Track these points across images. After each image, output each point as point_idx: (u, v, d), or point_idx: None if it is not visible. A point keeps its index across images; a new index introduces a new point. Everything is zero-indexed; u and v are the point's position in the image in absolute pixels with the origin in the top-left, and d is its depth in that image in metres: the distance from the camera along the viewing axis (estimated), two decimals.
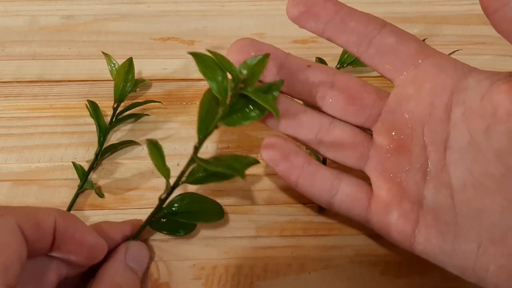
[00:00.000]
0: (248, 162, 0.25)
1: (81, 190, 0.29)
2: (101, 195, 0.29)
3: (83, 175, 0.29)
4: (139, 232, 0.25)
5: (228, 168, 0.22)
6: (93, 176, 0.30)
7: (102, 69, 0.35)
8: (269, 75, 0.24)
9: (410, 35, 0.24)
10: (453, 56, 0.33)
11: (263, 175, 0.30)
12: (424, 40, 0.33)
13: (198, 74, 0.35)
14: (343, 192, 0.24)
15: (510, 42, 0.20)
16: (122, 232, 0.24)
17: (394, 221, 0.22)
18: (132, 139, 0.31)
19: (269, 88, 0.24)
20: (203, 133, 0.23)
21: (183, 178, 0.24)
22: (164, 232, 0.26)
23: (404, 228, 0.22)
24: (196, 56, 0.23)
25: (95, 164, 0.30)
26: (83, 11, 0.40)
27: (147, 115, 0.33)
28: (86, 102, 0.31)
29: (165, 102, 0.33)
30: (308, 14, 0.24)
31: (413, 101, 0.23)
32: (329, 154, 0.25)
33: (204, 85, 0.35)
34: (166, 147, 0.31)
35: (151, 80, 0.35)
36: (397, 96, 0.24)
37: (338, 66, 0.34)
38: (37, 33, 0.38)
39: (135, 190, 0.29)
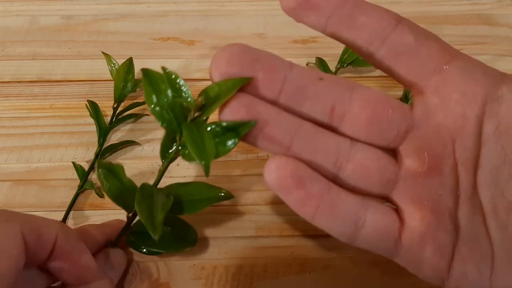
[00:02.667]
0: (214, 198, 0.23)
1: (81, 190, 0.29)
2: (101, 195, 0.29)
3: (83, 175, 0.29)
4: (118, 239, 0.25)
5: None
6: (93, 176, 0.30)
7: (102, 69, 0.35)
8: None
9: (430, 33, 0.21)
10: None
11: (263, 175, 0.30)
12: None
13: (198, 74, 0.35)
14: (371, 224, 0.19)
15: None
16: (104, 235, 0.24)
17: (429, 255, 0.19)
18: (132, 139, 0.31)
19: (234, 127, 0.19)
20: (165, 157, 0.22)
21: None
22: (138, 250, 0.25)
23: (438, 263, 0.19)
24: (145, 73, 0.20)
25: (95, 164, 0.30)
26: (83, 11, 0.40)
27: (147, 115, 0.33)
28: (86, 102, 0.31)
29: None
30: (307, 6, 0.20)
31: (441, 113, 0.20)
32: (351, 183, 0.20)
33: (204, 85, 0.35)
34: None
35: None
36: (422, 108, 0.20)
37: (338, 66, 0.34)
38: (37, 33, 0.38)
39: None
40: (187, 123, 0.19)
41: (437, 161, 0.20)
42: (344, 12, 0.20)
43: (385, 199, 0.21)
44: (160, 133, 0.32)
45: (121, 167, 0.23)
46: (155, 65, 0.36)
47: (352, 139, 0.20)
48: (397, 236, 0.20)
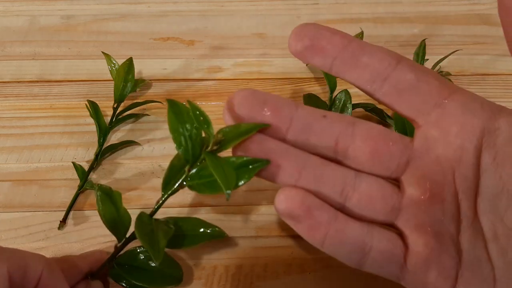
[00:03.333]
0: (209, 234, 0.24)
1: (81, 190, 0.29)
2: None
3: (83, 175, 0.29)
4: (99, 270, 0.24)
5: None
6: (93, 176, 0.30)
7: (102, 69, 0.35)
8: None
9: (430, 70, 0.22)
10: (453, 56, 0.33)
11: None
12: (424, 40, 0.34)
13: (198, 74, 0.35)
14: (377, 250, 0.20)
15: None
16: (87, 265, 0.24)
17: (433, 279, 0.20)
18: (132, 139, 0.31)
19: (249, 163, 0.20)
20: (166, 191, 0.22)
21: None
22: (120, 283, 0.24)
23: (443, 287, 0.20)
24: (171, 104, 0.21)
25: (95, 164, 0.30)
26: (83, 11, 0.40)
27: (147, 115, 0.33)
28: (86, 102, 0.31)
29: (165, 102, 0.33)
30: (314, 49, 0.21)
31: (440, 145, 0.21)
32: (357, 211, 0.21)
33: (204, 85, 0.35)
34: (166, 147, 0.31)
35: (151, 80, 0.35)
36: (422, 140, 0.21)
37: None
38: (37, 33, 0.38)
39: (135, 190, 0.29)
40: (208, 152, 0.20)
41: (438, 190, 0.21)
42: (348, 54, 0.21)
43: (390, 226, 0.22)
44: (160, 133, 0.32)
45: (119, 195, 0.23)
46: (155, 65, 0.36)
47: (356, 170, 0.22)
48: (402, 261, 0.21)
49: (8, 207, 0.28)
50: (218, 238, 0.25)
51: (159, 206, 0.23)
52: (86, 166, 0.30)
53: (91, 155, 0.30)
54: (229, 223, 0.28)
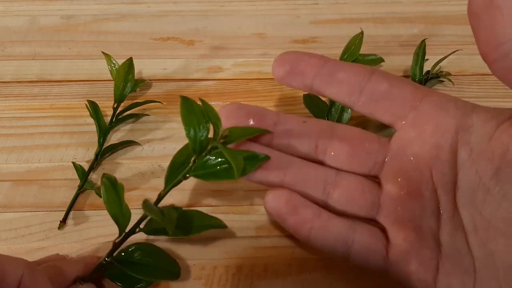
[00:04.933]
0: (210, 225, 0.25)
1: (81, 190, 0.29)
2: (101, 195, 0.29)
3: (83, 175, 0.29)
4: (91, 274, 0.24)
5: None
6: (93, 176, 0.30)
7: (102, 69, 0.35)
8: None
9: (402, 78, 0.24)
10: (453, 56, 0.33)
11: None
12: (424, 40, 0.34)
13: (197, 74, 0.35)
14: (359, 243, 0.22)
15: (508, 86, 0.19)
16: (76, 271, 0.23)
17: (414, 270, 0.21)
18: (132, 139, 0.31)
19: (251, 157, 0.23)
20: (170, 183, 0.23)
21: (142, 225, 0.24)
22: (116, 282, 0.24)
23: (425, 277, 0.21)
24: (184, 100, 0.23)
25: (95, 164, 0.30)
26: (83, 11, 0.40)
27: (147, 115, 0.33)
28: (86, 102, 0.31)
29: (165, 102, 0.33)
30: (294, 73, 0.23)
31: (416, 144, 0.22)
32: (339, 208, 0.23)
33: (204, 85, 0.35)
34: (166, 147, 0.31)
35: (151, 80, 0.35)
36: (399, 140, 0.23)
37: None
38: (37, 33, 0.38)
39: (135, 190, 0.29)
40: (216, 141, 0.22)
41: (415, 186, 0.22)
42: (325, 72, 0.23)
43: (372, 221, 0.23)
44: (160, 133, 0.32)
45: (122, 188, 0.23)
46: (155, 65, 0.36)
47: (336, 169, 0.24)
48: (385, 254, 0.22)
49: (8, 207, 0.28)
50: (220, 228, 0.26)
51: (162, 196, 0.23)
52: (86, 166, 0.30)
53: (91, 155, 0.30)
54: (229, 223, 0.28)
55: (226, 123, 0.23)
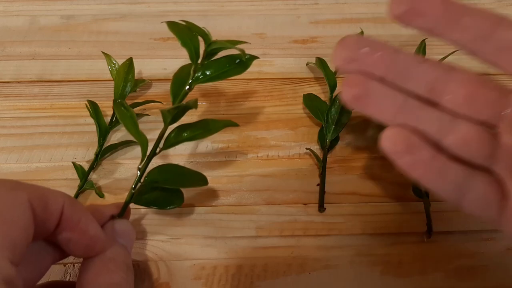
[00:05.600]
0: (223, 125, 0.26)
1: (81, 190, 0.29)
2: (101, 195, 0.29)
3: (83, 175, 0.29)
4: (124, 209, 0.25)
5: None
6: (93, 176, 0.30)
7: (102, 69, 0.35)
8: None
9: None
10: (453, 56, 0.33)
11: (263, 175, 0.30)
12: (424, 40, 0.34)
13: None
14: (475, 192, 0.22)
15: None
16: (109, 212, 0.24)
17: None
18: (132, 139, 0.31)
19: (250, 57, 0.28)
20: (177, 96, 0.26)
21: (161, 145, 0.26)
22: (152, 206, 0.26)
23: None
24: (171, 24, 0.26)
25: (95, 164, 0.30)
26: (83, 11, 0.40)
27: (147, 115, 0.33)
28: (86, 102, 0.31)
29: (165, 102, 0.33)
30: (415, 12, 0.22)
31: None
32: (453, 151, 0.22)
33: (204, 85, 0.35)
34: None
35: (151, 80, 0.35)
36: None
37: None
38: (37, 33, 0.38)
39: None
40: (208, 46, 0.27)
41: None
42: (448, 15, 0.22)
43: (489, 171, 0.22)
44: None
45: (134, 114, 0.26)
46: (155, 65, 0.36)
47: (452, 114, 0.22)
48: (500, 206, 0.21)
49: None
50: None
51: (174, 107, 0.25)
52: (86, 166, 0.30)
53: (91, 155, 0.30)
54: (229, 223, 0.28)
55: (341, 54, 0.22)
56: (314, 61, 0.35)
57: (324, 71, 0.33)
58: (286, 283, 0.26)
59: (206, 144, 0.31)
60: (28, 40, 0.37)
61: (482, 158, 0.22)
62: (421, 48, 0.33)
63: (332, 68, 0.34)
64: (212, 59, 0.27)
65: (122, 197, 0.29)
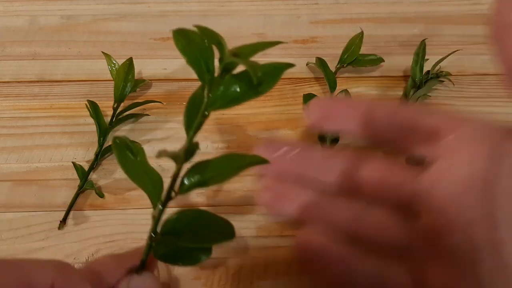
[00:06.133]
0: (249, 163, 0.21)
1: (81, 190, 0.29)
2: (101, 195, 0.29)
3: (83, 175, 0.29)
4: (143, 262, 0.20)
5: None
6: (93, 176, 0.30)
7: (102, 69, 0.35)
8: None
9: (435, 108, 0.24)
10: (453, 56, 0.33)
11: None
12: (424, 40, 0.34)
13: None
14: (393, 283, 0.21)
15: None
16: (128, 262, 0.20)
17: None
18: (132, 139, 0.31)
19: (273, 66, 0.21)
20: (190, 126, 0.20)
21: (176, 188, 0.20)
22: (176, 263, 0.20)
23: None
24: (177, 32, 0.20)
25: (95, 164, 0.30)
26: (83, 11, 0.40)
27: (147, 115, 0.33)
28: (86, 102, 0.31)
29: (165, 102, 0.33)
30: (326, 118, 0.24)
31: (449, 175, 0.21)
32: (368, 241, 0.22)
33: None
34: (166, 147, 0.31)
35: (151, 80, 0.35)
36: (431, 171, 0.22)
37: (338, 66, 0.34)
38: (37, 33, 0.38)
39: (135, 190, 0.29)
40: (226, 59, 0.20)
41: (450, 219, 0.20)
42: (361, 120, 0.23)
43: (405, 256, 0.21)
44: (160, 133, 0.32)
45: (141, 149, 0.20)
46: (155, 65, 0.36)
47: (366, 200, 0.23)
48: None
49: (8, 207, 0.28)
50: (258, 164, 0.21)
51: (188, 144, 0.20)
52: (86, 166, 0.30)
53: (91, 155, 0.30)
54: None
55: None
56: (314, 61, 0.35)
57: (324, 71, 0.33)
58: (286, 283, 0.26)
59: (206, 144, 0.31)
60: (28, 40, 0.37)
61: (397, 244, 0.21)
62: (421, 48, 0.33)
63: (333, 68, 0.34)
64: (232, 75, 0.20)
65: (122, 197, 0.29)
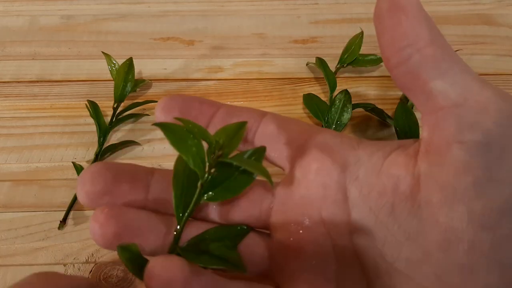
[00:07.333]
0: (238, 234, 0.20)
1: None
2: None
3: None
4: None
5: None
6: None
7: (102, 69, 0.35)
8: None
9: (292, 119, 0.22)
10: None
11: None
12: None
13: (197, 74, 0.35)
14: None
15: (408, 96, 0.19)
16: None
17: None
18: (132, 139, 0.31)
19: (251, 155, 0.20)
20: (183, 212, 0.19)
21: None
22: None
23: None
24: (164, 127, 0.19)
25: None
26: (83, 11, 0.40)
27: (147, 115, 0.33)
28: (86, 102, 0.31)
29: None
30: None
31: (302, 186, 0.20)
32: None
33: (204, 85, 0.35)
34: (166, 147, 0.31)
35: (151, 80, 0.35)
36: (285, 184, 0.21)
37: (338, 66, 0.34)
38: (37, 33, 0.38)
39: None
40: (226, 157, 0.19)
41: (306, 233, 0.20)
42: (218, 119, 0.22)
43: (268, 277, 0.20)
44: (160, 133, 0.32)
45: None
46: (155, 65, 0.36)
47: (220, 222, 0.21)
48: None
49: (8, 207, 0.28)
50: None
51: (179, 233, 0.19)
52: (86, 166, 0.30)
53: (91, 155, 0.30)
54: None
55: (91, 189, 0.19)
56: (314, 61, 0.35)
57: (324, 71, 0.33)
58: None
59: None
60: (28, 40, 0.37)
61: (255, 266, 0.20)
62: None
63: (333, 68, 0.34)
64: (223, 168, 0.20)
65: None
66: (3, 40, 0.37)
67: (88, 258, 0.27)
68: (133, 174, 0.20)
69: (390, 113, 0.32)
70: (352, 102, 0.31)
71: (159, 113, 0.21)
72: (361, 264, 0.19)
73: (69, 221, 0.28)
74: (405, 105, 0.30)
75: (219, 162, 0.19)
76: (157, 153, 0.31)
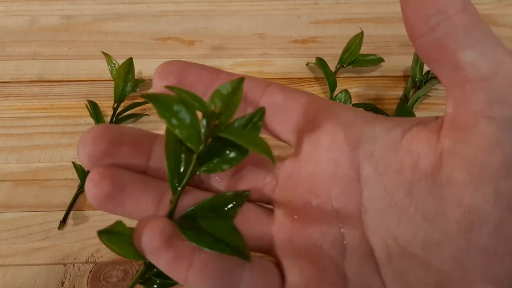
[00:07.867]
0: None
1: (81, 190, 0.29)
2: None
3: (83, 175, 0.29)
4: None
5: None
6: None
7: (102, 69, 0.35)
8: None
9: (300, 90, 0.20)
10: None
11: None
12: None
13: None
14: (248, 283, 0.18)
15: (432, 68, 0.17)
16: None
17: None
18: None
19: (249, 121, 0.19)
20: (177, 184, 0.18)
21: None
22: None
23: None
24: (153, 98, 0.17)
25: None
26: (83, 11, 0.40)
27: (147, 115, 0.33)
28: (86, 102, 0.31)
29: None
30: (183, 86, 0.20)
31: (311, 161, 0.19)
32: None
33: None
34: None
35: (151, 80, 0.35)
36: (293, 158, 0.20)
37: (338, 66, 0.34)
38: (37, 33, 0.38)
39: None
40: (219, 131, 0.18)
41: (311, 211, 0.19)
42: (217, 85, 0.20)
43: (268, 253, 0.19)
44: (162, 131, 0.32)
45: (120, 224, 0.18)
46: (155, 65, 0.36)
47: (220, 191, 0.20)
48: None
49: (8, 207, 0.28)
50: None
51: (175, 204, 0.18)
52: None
53: None
54: None
55: (92, 150, 0.19)
56: (314, 61, 0.35)
57: (324, 71, 0.33)
58: None
59: None
60: (28, 40, 0.37)
61: (256, 241, 0.19)
62: None
63: (333, 68, 0.34)
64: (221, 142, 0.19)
65: None
66: (3, 40, 0.37)
67: (88, 258, 0.27)
68: (136, 138, 0.19)
69: (390, 113, 0.32)
70: (352, 102, 0.31)
71: (156, 79, 0.20)
72: (371, 247, 0.18)
73: (69, 221, 0.28)
74: (405, 105, 0.30)
75: (215, 136, 0.18)
76: None
